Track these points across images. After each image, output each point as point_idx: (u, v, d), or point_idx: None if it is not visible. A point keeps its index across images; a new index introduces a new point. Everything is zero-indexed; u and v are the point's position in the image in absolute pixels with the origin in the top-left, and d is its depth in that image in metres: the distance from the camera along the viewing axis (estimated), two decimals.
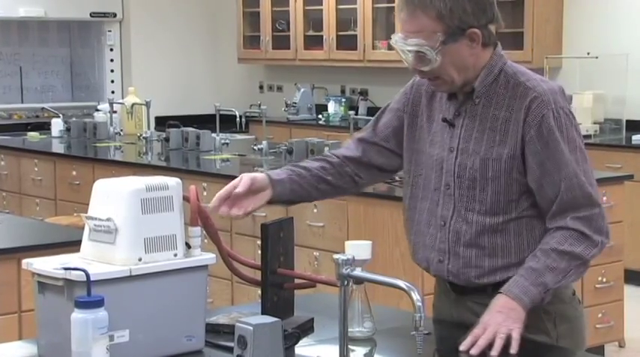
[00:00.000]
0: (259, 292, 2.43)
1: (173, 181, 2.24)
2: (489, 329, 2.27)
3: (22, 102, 9.79)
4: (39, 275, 2.15)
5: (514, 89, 2.41)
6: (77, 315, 2.02)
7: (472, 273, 2.43)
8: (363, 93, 9.22)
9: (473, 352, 2.23)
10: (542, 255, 2.36)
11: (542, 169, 2.37)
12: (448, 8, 2.34)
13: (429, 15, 2.34)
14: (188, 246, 2.26)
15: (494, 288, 2.39)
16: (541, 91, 2.38)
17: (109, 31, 9.79)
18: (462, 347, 2.26)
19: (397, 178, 5.07)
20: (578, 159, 2.38)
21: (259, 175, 2.49)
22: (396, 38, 2.41)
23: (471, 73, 2.42)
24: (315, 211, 5.10)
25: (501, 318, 2.29)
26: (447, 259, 2.46)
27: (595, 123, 7.26)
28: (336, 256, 2.14)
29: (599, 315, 5.21)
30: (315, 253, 5.14)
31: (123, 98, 8.30)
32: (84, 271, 2.05)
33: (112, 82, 9.84)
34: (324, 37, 8.99)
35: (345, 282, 2.13)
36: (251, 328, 2.03)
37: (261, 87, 10.09)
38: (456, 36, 2.36)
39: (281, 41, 9.39)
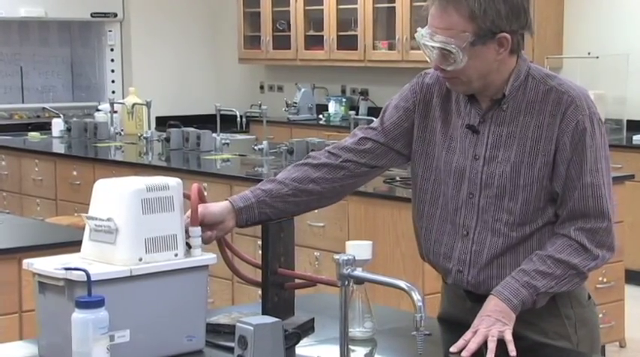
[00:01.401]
0: (260, 292, 2.43)
1: (174, 182, 2.24)
2: (479, 332, 2.24)
3: (23, 102, 9.80)
4: (39, 275, 2.15)
5: (546, 94, 2.34)
6: (78, 315, 2.02)
7: (493, 283, 2.36)
8: (364, 93, 9.22)
9: (464, 355, 2.21)
10: (538, 260, 2.32)
11: (567, 174, 2.32)
12: (482, 9, 2.25)
13: (462, 13, 2.26)
14: (189, 246, 2.26)
15: None
16: (575, 96, 2.33)
17: (110, 31, 9.80)
18: (452, 349, 2.23)
19: (398, 178, 5.10)
20: (600, 169, 2.33)
21: (214, 209, 2.37)
22: (423, 33, 2.31)
23: (491, 78, 2.34)
24: (315, 211, 5.08)
25: (491, 321, 2.26)
26: (467, 270, 2.41)
27: None
28: (336, 256, 2.14)
29: (600, 315, 5.17)
30: (315, 253, 5.14)
31: (123, 98, 8.30)
32: (84, 271, 2.05)
33: (113, 82, 9.85)
34: (324, 37, 8.99)
35: (346, 282, 2.13)
36: (252, 328, 2.03)
37: (261, 87, 10.09)
38: (485, 38, 2.28)
39: (281, 41, 9.39)
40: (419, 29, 2.34)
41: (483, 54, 2.30)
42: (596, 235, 2.34)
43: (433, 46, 2.29)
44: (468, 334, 2.25)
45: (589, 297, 2.49)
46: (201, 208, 2.32)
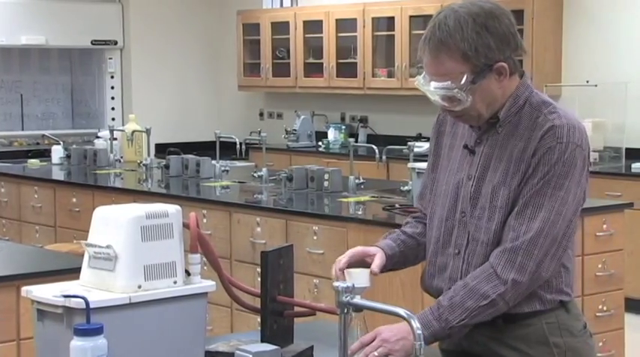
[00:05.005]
0: (259, 319, 2.42)
1: (173, 209, 2.24)
2: (374, 343, 2.28)
3: (23, 129, 9.82)
4: (38, 303, 2.15)
5: (535, 120, 2.36)
6: (76, 343, 2.02)
7: None
8: (363, 120, 9.24)
9: None
10: (454, 289, 2.34)
11: (522, 201, 2.32)
12: (473, 48, 2.27)
13: (454, 58, 2.28)
14: (188, 273, 2.25)
15: (505, 321, 2.36)
16: (558, 124, 2.33)
17: (110, 58, 9.84)
18: (351, 349, 2.25)
19: (397, 205, 5.10)
20: (556, 195, 2.30)
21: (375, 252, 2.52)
22: (422, 81, 2.35)
23: (498, 105, 2.38)
24: (314, 238, 5.09)
25: (392, 336, 2.29)
26: None
27: (594, 151, 7.27)
28: (335, 283, 2.14)
29: (600, 344, 5.19)
30: (314, 281, 5.13)
31: (123, 125, 8.32)
32: (83, 298, 2.05)
33: (113, 109, 9.88)
34: (324, 65, 9.02)
35: (345, 310, 2.12)
36: (250, 355, 2.02)
37: (261, 114, 10.11)
38: (484, 73, 2.30)
39: (281, 69, 9.43)
40: (417, 77, 2.37)
41: (486, 86, 2.33)
42: (517, 255, 2.30)
43: (436, 93, 2.32)
44: (367, 337, 2.30)
45: (584, 327, 2.45)
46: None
